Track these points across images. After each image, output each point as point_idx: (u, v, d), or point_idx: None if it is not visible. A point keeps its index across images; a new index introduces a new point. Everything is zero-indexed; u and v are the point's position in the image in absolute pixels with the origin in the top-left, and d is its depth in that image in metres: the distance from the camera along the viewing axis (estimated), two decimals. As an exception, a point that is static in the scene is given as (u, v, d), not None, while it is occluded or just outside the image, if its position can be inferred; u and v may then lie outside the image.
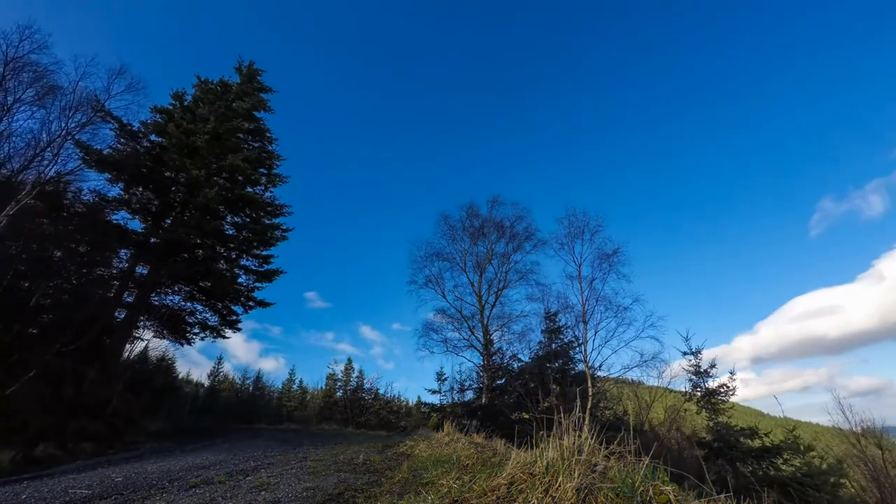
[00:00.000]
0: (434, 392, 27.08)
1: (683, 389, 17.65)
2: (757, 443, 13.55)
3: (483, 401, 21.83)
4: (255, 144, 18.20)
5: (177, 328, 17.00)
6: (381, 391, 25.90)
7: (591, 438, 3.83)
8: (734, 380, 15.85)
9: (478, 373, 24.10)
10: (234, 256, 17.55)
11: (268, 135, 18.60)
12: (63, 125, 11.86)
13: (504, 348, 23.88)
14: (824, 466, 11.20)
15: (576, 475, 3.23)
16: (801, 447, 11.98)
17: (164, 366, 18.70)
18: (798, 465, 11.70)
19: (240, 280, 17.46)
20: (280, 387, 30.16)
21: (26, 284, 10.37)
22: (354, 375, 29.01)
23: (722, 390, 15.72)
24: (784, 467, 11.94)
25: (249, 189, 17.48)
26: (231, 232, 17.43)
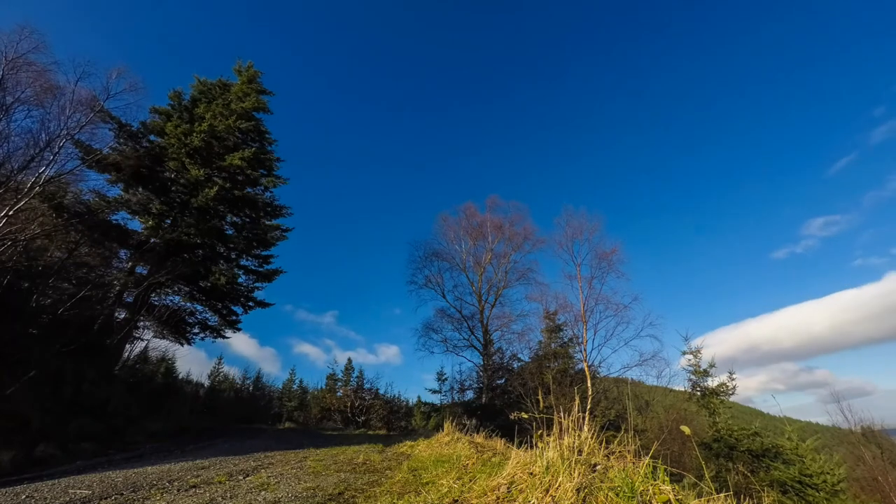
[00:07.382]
0: (434, 392, 27.16)
1: (683, 389, 17.69)
2: (757, 442, 13.55)
3: (483, 400, 21.88)
4: (255, 145, 18.19)
5: (177, 328, 17.00)
6: (382, 391, 25.91)
7: (591, 438, 3.84)
8: (733, 379, 15.87)
9: (478, 372, 24.16)
10: (234, 257, 17.55)
11: (267, 136, 18.59)
12: (62, 125, 11.82)
13: (504, 348, 23.95)
14: (824, 466, 11.20)
15: (576, 475, 3.23)
16: (801, 447, 11.99)
17: (165, 366, 18.71)
18: (798, 464, 11.68)
19: (240, 280, 17.47)
20: (280, 387, 30.26)
21: (26, 284, 10.37)
22: (355, 375, 29.10)
23: (721, 390, 15.73)
24: (784, 467, 11.94)
25: (249, 189, 17.48)
26: (231, 232, 17.44)
